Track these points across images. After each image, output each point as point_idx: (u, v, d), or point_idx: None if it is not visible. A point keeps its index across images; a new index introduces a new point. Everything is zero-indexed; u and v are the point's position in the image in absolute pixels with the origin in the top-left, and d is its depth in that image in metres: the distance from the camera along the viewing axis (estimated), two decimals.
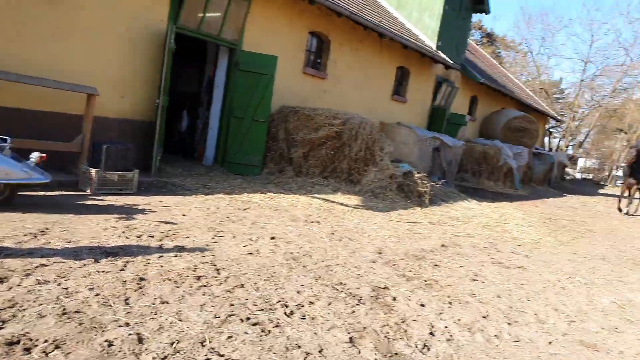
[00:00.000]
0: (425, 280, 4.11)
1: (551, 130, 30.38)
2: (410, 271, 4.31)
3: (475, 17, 48.70)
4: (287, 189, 7.40)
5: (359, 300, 3.34)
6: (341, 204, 7.06)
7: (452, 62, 13.50)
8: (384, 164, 8.24)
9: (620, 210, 12.43)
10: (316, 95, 9.92)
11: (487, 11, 14.77)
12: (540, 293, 4.29)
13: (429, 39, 13.41)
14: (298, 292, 3.30)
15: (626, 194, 12.38)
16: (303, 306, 3.06)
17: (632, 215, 12.32)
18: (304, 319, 2.87)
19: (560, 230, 8.23)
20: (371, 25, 10.17)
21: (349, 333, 2.77)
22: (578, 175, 43.41)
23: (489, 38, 44.84)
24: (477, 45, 46.55)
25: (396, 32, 11.22)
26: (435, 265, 4.69)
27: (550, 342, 3.15)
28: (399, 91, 12.91)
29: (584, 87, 37.10)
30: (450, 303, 3.62)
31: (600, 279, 5.22)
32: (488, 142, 15.60)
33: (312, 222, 5.67)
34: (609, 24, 55.54)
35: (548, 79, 38.55)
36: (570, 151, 31.58)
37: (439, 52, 13.32)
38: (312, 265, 4.01)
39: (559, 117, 26.56)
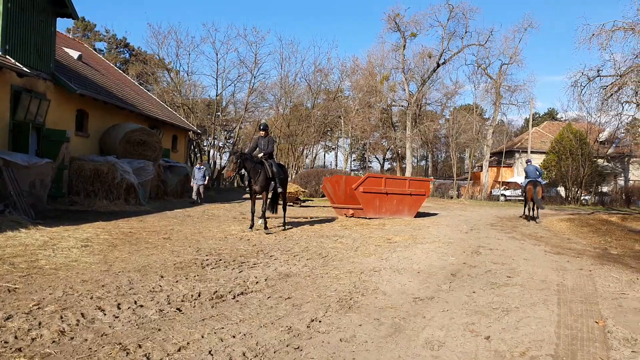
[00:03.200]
0: None
1: (196, 142, 31.86)
2: None
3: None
4: None
5: None
6: None
7: (27, 69, 11.55)
8: None
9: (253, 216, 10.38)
10: None
11: (73, 16, 13.47)
12: None
13: None
14: None
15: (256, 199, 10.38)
16: None
17: (259, 229, 10.26)
18: None
19: (126, 245, 7.60)
20: None
21: None
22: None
23: (137, 57, 43.90)
24: (127, 63, 45.26)
25: None
26: None
27: None
28: None
29: (229, 102, 41.03)
30: None
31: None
32: (100, 158, 14.36)
33: None
34: (230, 43, 61.10)
35: (195, 96, 40.66)
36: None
37: (7, 57, 11.18)
38: None
39: (199, 131, 27.93)
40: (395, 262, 7.49)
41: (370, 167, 65.46)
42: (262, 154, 10.31)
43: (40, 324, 3.70)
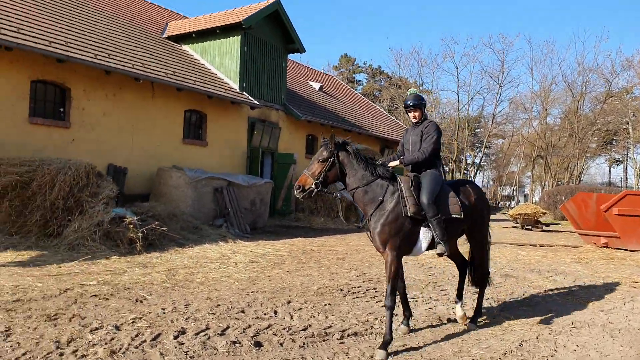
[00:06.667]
0: None
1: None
2: None
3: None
4: None
5: None
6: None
7: (259, 102, 13.19)
8: (95, 211, 7.38)
9: None
10: (57, 145, 9.14)
11: (300, 50, 14.80)
12: None
13: (232, 81, 13.13)
14: None
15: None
16: None
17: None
18: None
19: (293, 263, 7.52)
20: (121, 71, 9.69)
21: None
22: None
23: (390, 82, 46.16)
24: (380, 89, 48.21)
25: (164, 77, 10.75)
26: None
27: None
28: (198, 135, 12.37)
29: (480, 117, 38.80)
30: None
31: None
32: None
33: None
34: (470, 55, 57.08)
35: (444, 112, 39.93)
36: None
37: (243, 93, 13.02)
38: None
39: None
40: (618, 317, 5.15)
41: None
42: (394, 162, 4.46)
43: (90, 342, 3.69)
